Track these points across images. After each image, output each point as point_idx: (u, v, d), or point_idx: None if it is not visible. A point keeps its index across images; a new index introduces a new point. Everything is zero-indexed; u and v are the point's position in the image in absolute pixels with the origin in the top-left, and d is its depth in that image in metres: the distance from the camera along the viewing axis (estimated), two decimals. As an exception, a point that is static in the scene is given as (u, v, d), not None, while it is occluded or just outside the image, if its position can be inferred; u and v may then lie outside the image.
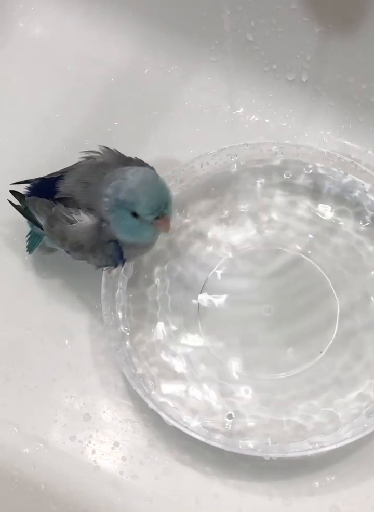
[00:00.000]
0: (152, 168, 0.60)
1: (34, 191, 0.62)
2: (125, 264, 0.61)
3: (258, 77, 0.71)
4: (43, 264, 0.67)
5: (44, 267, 0.67)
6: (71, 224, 0.58)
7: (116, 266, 0.60)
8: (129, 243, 0.58)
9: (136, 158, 0.60)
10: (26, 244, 0.66)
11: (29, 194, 0.62)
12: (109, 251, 0.58)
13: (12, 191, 0.63)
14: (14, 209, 0.64)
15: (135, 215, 0.55)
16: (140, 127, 0.71)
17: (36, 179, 0.62)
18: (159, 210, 0.55)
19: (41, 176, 0.62)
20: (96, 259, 0.60)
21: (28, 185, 0.62)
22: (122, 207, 0.55)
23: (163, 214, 0.55)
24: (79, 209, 0.58)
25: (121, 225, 0.56)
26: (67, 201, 0.58)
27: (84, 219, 0.57)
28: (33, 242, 0.65)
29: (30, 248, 0.66)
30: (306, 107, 0.71)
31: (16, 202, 0.64)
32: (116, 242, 0.58)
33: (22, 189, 0.63)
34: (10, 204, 0.64)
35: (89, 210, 0.57)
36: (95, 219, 0.57)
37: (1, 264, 0.67)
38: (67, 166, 0.61)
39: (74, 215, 0.58)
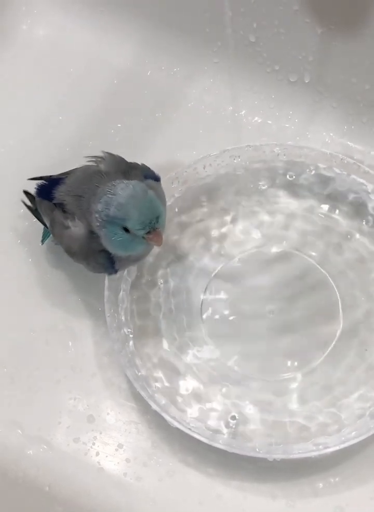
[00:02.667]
0: (157, 177, 0.60)
1: (41, 192, 0.62)
2: (118, 272, 0.60)
3: (260, 78, 0.71)
4: (47, 266, 0.67)
5: (48, 270, 0.67)
6: (67, 229, 0.58)
7: (110, 274, 0.60)
8: (122, 255, 0.58)
9: (143, 164, 0.60)
10: (42, 234, 0.66)
11: (38, 195, 0.62)
12: (101, 259, 0.58)
13: (25, 192, 0.64)
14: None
15: (126, 230, 0.55)
16: (143, 129, 0.72)
17: (47, 176, 0.62)
18: (150, 224, 0.54)
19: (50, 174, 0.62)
20: (90, 266, 0.60)
21: (36, 186, 0.62)
22: (113, 222, 0.55)
23: (155, 228, 0.55)
24: (75, 215, 0.58)
25: (112, 240, 0.56)
26: (64, 207, 0.58)
27: (79, 227, 0.57)
28: (45, 234, 0.65)
29: (42, 239, 0.66)
30: (308, 108, 0.71)
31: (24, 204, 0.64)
32: (108, 252, 0.58)
33: (33, 189, 0.63)
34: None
35: (83, 218, 0.57)
36: (88, 228, 0.57)
37: (5, 267, 0.67)
38: (71, 168, 0.61)
39: (69, 222, 0.58)
